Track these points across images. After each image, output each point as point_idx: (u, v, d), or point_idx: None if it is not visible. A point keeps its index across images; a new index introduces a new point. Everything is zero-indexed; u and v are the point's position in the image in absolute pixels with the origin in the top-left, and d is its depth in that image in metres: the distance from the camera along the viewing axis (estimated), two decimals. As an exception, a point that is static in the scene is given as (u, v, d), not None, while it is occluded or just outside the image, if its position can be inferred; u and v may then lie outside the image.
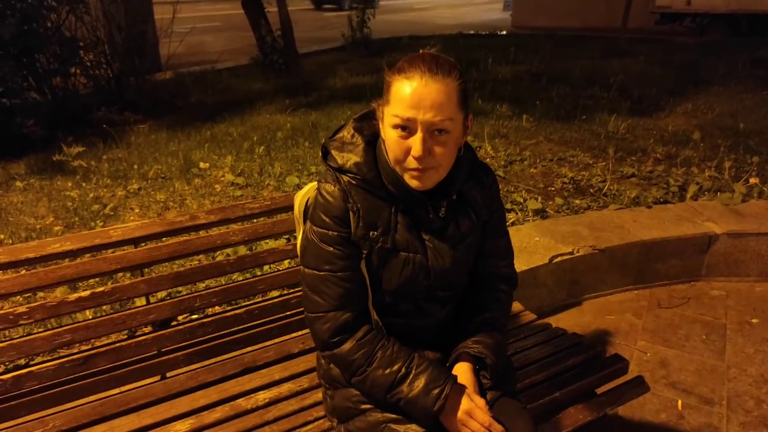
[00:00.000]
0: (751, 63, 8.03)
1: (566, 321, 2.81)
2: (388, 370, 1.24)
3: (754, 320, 2.81)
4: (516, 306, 2.09)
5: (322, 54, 10.42)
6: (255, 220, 1.80)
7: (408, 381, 1.23)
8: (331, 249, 1.25)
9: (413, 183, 1.20)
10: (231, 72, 8.31)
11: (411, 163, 1.16)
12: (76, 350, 1.80)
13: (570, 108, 5.84)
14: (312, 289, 1.29)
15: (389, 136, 1.17)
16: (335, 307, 1.27)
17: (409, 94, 1.12)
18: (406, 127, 1.14)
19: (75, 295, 1.51)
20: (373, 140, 1.27)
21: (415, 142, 1.13)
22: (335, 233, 1.24)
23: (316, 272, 1.27)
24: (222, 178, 4.10)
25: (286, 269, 1.83)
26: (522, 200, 3.54)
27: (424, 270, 1.28)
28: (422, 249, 1.28)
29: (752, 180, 3.76)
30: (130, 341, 1.60)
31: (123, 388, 1.60)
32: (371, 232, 1.24)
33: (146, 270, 1.70)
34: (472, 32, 13.60)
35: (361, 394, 1.34)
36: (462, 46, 10.28)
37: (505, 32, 14.14)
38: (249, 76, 7.97)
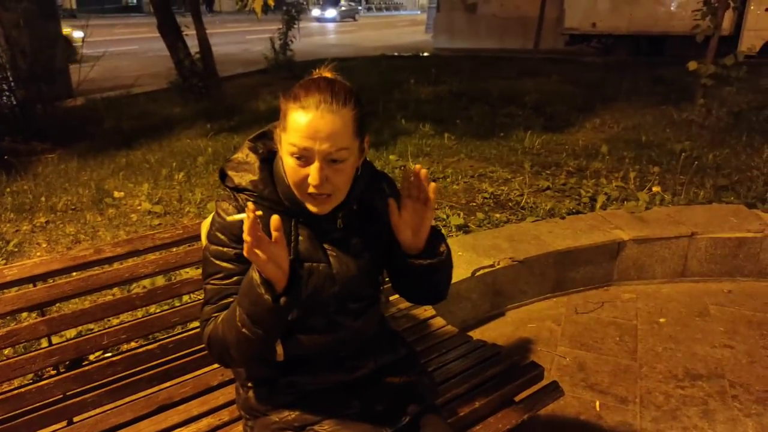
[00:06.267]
0: (652, 80, 8.69)
1: (490, 332, 2.88)
2: (231, 306, 1.19)
3: (662, 320, 2.99)
4: (438, 321, 2.13)
5: (244, 77, 10.31)
6: (171, 250, 1.74)
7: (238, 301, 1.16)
8: (227, 265, 1.24)
9: (313, 209, 1.21)
10: (148, 96, 8.04)
11: (310, 189, 1.17)
12: (-31, 401, 1.65)
13: (489, 126, 6.07)
14: (207, 303, 1.27)
15: (287, 163, 1.18)
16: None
17: (305, 125, 1.12)
18: (303, 156, 1.15)
19: (-36, 342, 1.40)
20: (269, 157, 1.28)
21: (313, 172, 1.14)
22: (230, 249, 1.23)
23: (213, 286, 1.25)
24: (138, 207, 3.93)
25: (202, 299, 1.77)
26: (445, 216, 3.62)
27: (329, 278, 1.29)
28: (325, 258, 1.29)
29: (654, 188, 4.05)
30: (31, 386, 1.49)
31: (25, 438, 1.49)
32: None
33: (53, 308, 1.60)
34: (395, 54, 13.92)
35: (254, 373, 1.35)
36: (385, 67, 10.49)
37: (427, 54, 14.56)
38: (167, 101, 7.74)
